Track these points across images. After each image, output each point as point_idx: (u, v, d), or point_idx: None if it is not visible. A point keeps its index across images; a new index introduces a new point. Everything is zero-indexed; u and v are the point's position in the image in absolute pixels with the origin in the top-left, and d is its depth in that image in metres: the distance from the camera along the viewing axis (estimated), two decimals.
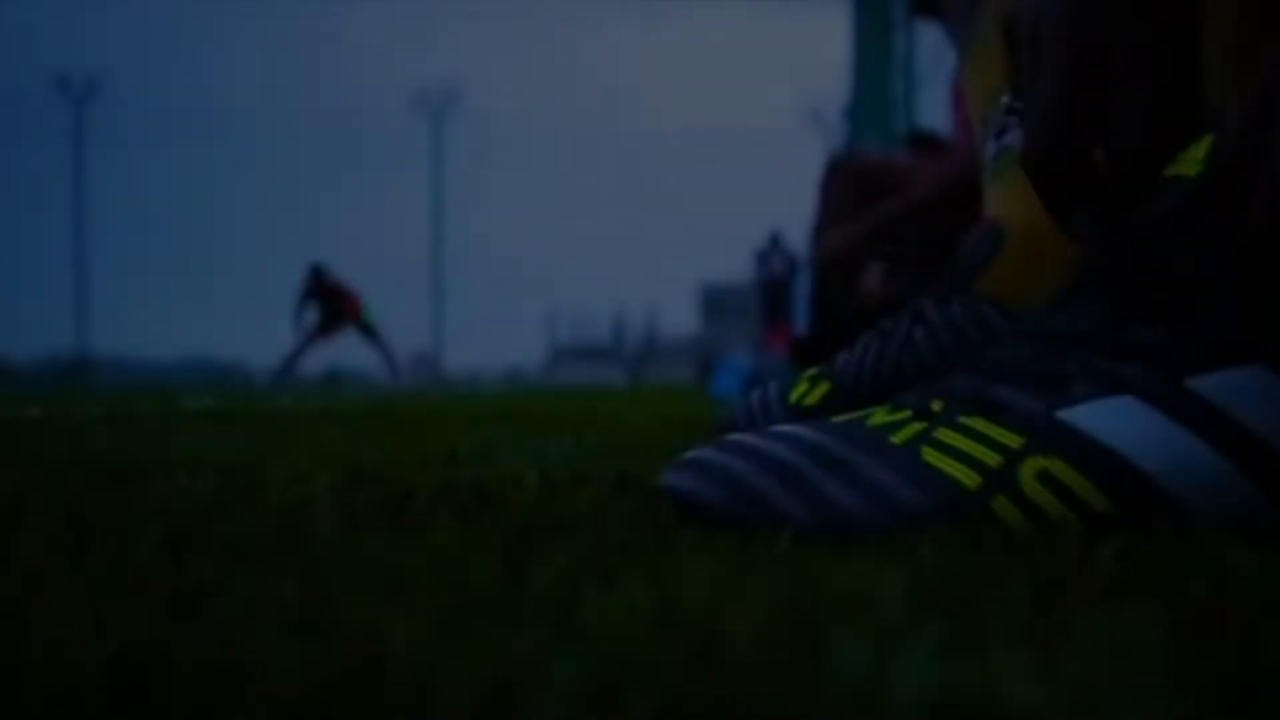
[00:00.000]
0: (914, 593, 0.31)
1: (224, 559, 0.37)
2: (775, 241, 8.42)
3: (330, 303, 8.65)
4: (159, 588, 0.32)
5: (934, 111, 3.96)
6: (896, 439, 0.46)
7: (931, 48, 4.47)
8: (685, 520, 0.45)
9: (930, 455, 0.44)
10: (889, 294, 1.60)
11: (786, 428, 0.48)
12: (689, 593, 0.30)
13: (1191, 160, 0.46)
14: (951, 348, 0.82)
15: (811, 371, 0.91)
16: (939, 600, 0.30)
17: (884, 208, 1.32)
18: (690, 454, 0.48)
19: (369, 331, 8.88)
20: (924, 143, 2.35)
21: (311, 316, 8.68)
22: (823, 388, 0.87)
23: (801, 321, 2.09)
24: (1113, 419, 0.43)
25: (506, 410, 1.87)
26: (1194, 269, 0.44)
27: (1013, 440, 0.44)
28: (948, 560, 0.35)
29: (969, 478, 0.43)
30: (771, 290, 7.64)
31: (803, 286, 2.16)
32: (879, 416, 0.48)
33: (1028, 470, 0.43)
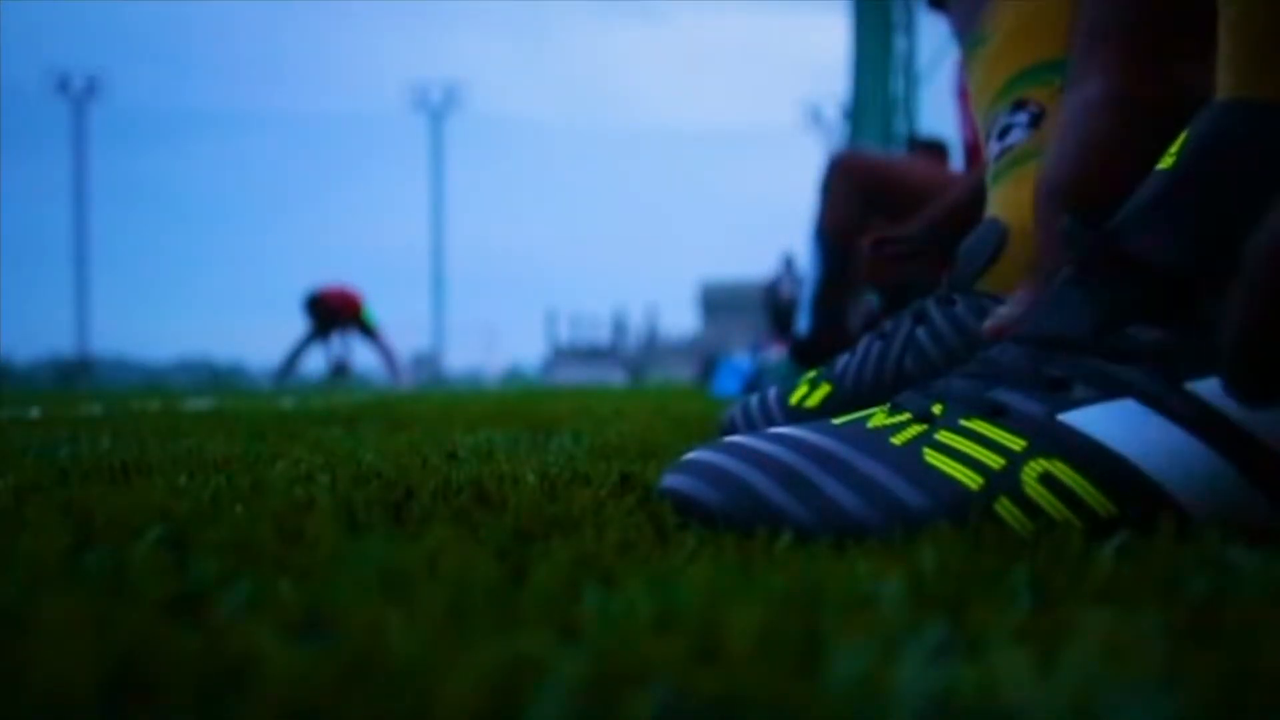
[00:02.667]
0: (914, 593, 0.31)
1: (224, 559, 0.37)
2: (789, 265, 8.38)
3: (324, 316, 8.67)
4: (159, 588, 0.32)
5: (934, 111, 3.96)
6: (898, 440, 0.46)
7: (931, 48, 4.47)
8: (685, 521, 0.45)
9: (932, 457, 0.44)
10: (897, 277, 1.60)
11: (786, 429, 0.48)
12: (689, 593, 0.30)
13: (1170, 154, 0.46)
14: (956, 347, 0.82)
15: (811, 374, 0.91)
16: (939, 600, 0.30)
17: (933, 207, 1.33)
18: (689, 455, 0.48)
19: (368, 332, 8.88)
20: (927, 148, 2.35)
21: (310, 327, 8.71)
22: (823, 390, 0.87)
23: (802, 322, 2.09)
24: (1114, 421, 0.43)
25: (506, 410, 1.87)
26: (1174, 259, 0.44)
27: (1015, 443, 0.44)
28: (948, 560, 0.35)
29: (971, 479, 0.43)
30: (780, 314, 7.62)
31: (805, 289, 2.15)
32: (879, 418, 0.48)
33: (1030, 472, 0.43)
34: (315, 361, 9.06)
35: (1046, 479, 0.43)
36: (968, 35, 0.91)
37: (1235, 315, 0.40)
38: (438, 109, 22.30)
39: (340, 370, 8.75)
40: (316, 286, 8.76)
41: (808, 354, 1.92)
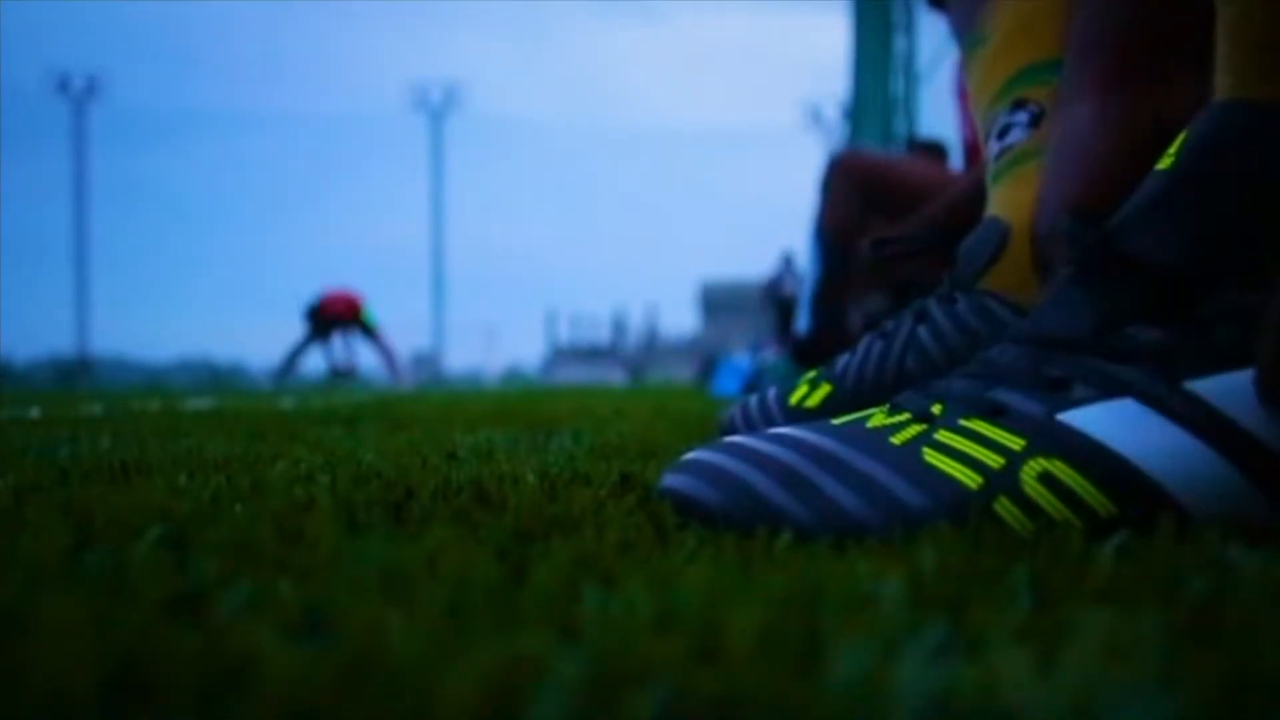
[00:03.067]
0: (914, 593, 0.31)
1: (224, 559, 0.37)
2: (788, 263, 8.42)
3: (325, 322, 8.71)
4: (159, 588, 0.32)
5: (934, 111, 3.96)
6: (897, 440, 0.46)
7: (931, 48, 4.47)
8: (685, 521, 0.45)
9: (931, 456, 0.44)
10: (898, 277, 1.60)
11: (785, 429, 0.48)
12: (689, 593, 0.30)
13: (1168, 155, 0.46)
14: (958, 346, 0.82)
15: (811, 374, 0.91)
16: (939, 600, 0.30)
17: (933, 206, 1.33)
18: (689, 455, 0.48)
19: (368, 332, 8.90)
20: (926, 149, 2.35)
21: (307, 330, 8.75)
22: (823, 390, 0.87)
23: (802, 321, 2.09)
24: (1113, 421, 0.43)
25: (506, 410, 1.87)
26: (1173, 259, 0.44)
27: (1014, 442, 0.44)
28: (948, 560, 0.35)
29: (971, 479, 0.43)
30: (784, 310, 7.66)
31: (804, 288, 2.16)
32: (878, 419, 0.48)
33: (1029, 471, 0.43)
34: (315, 362, 9.08)
35: (1046, 478, 0.43)
36: (967, 35, 0.91)
37: (1271, 330, 0.40)
38: (438, 109, 22.32)
39: (349, 373, 8.77)
40: (317, 295, 8.80)
41: (807, 353, 1.92)
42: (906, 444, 0.45)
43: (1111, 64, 0.59)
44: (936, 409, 0.47)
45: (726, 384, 5.50)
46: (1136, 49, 0.59)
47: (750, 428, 0.87)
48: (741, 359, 7.09)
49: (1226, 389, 0.42)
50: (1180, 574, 0.33)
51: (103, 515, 0.46)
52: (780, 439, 0.47)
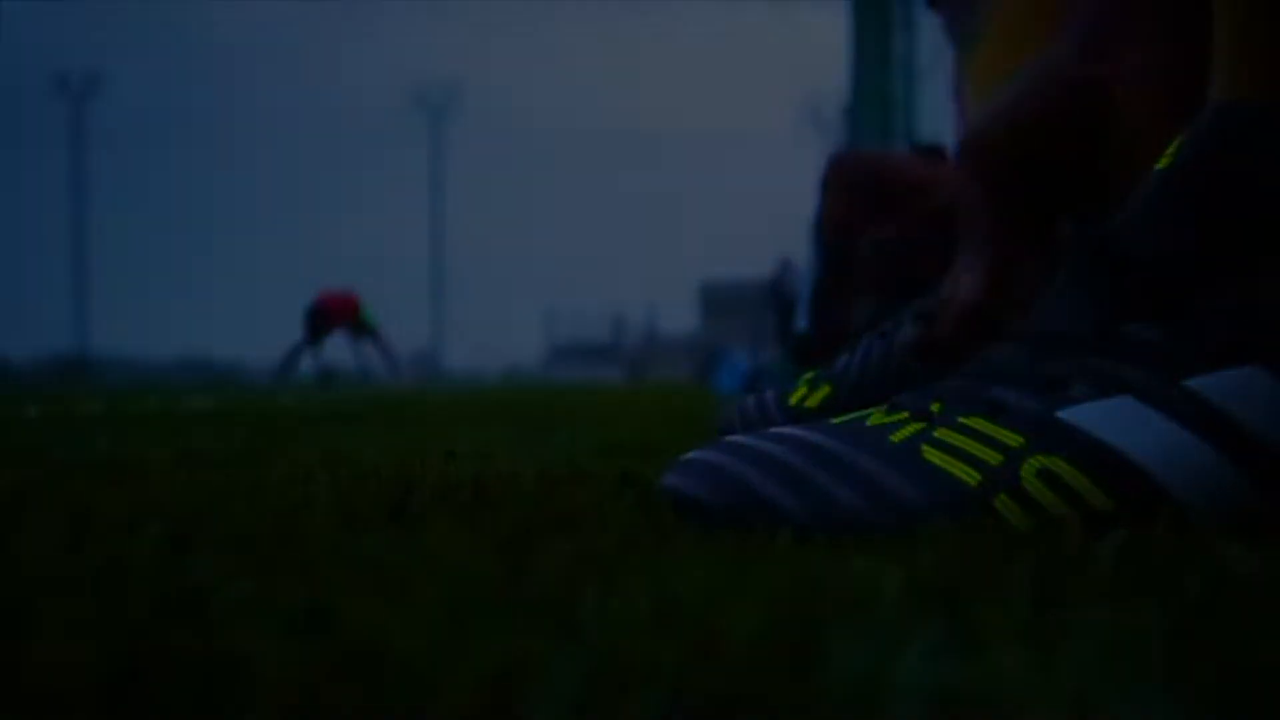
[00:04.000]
0: (914, 592, 0.31)
1: (224, 557, 0.37)
2: (786, 268, 8.46)
3: (323, 323, 8.75)
4: (159, 585, 0.32)
5: (934, 110, 3.96)
6: (896, 438, 0.46)
7: (931, 47, 4.47)
8: (684, 520, 0.45)
9: (931, 454, 0.44)
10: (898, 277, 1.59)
11: (784, 429, 0.48)
12: (689, 592, 0.30)
13: (1167, 154, 0.46)
14: None
15: (810, 374, 0.91)
16: (939, 599, 0.30)
17: (931, 206, 1.33)
18: (688, 455, 0.48)
19: (369, 331, 8.92)
20: (926, 153, 2.35)
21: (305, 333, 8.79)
22: (823, 391, 0.87)
23: (801, 321, 2.09)
24: (1113, 419, 0.43)
25: (506, 408, 1.87)
26: (1171, 257, 0.44)
27: (1014, 439, 0.44)
28: (948, 560, 0.35)
29: (970, 476, 0.43)
30: (786, 312, 7.69)
31: (803, 286, 2.16)
32: (877, 417, 0.48)
33: (1029, 469, 0.43)
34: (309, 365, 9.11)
35: (1045, 475, 0.43)
36: (962, 34, 0.91)
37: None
38: (437, 108, 22.34)
39: (363, 375, 8.80)
40: (315, 296, 8.83)
41: (807, 353, 1.92)
42: (905, 441, 0.45)
43: (1071, 32, 0.61)
44: (935, 407, 0.47)
45: (729, 380, 5.51)
46: (1096, 23, 0.60)
47: (749, 428, 0.86)
48: (741, 358, 7.10)
49: (1225, 386, 0.42)
50: (1179, 571, 0.33)
51: (102, 513, 0.46)
52: (779, 438, 0.47)
